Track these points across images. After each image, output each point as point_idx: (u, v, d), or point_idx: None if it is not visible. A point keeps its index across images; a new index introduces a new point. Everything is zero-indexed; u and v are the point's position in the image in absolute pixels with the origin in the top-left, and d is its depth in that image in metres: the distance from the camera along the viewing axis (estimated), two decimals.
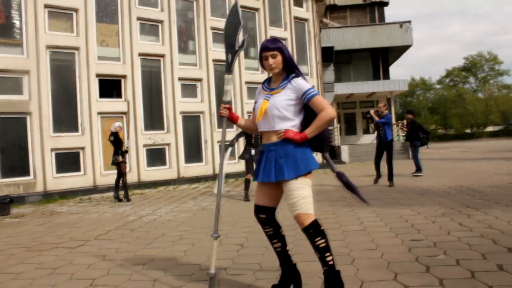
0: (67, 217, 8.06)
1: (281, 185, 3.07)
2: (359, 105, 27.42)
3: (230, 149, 9.16)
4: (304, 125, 3.11)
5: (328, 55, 23.45)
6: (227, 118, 3.30)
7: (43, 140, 11.77)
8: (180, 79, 14.71)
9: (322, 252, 2.96)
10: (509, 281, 3.24)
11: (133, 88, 13.61)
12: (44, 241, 5.83)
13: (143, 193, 11.87)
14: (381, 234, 5.08)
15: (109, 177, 12.26)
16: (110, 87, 13.42)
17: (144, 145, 13.75)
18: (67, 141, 12.28)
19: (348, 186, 3.28)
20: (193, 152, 14.95)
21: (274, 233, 3.19)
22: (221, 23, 15.66)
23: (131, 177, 12.78)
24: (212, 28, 15.54)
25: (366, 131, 27.72)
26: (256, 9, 16.89)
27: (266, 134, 3.14)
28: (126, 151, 10.24)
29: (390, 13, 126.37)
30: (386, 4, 31.47)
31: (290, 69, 3.14)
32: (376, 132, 10.58)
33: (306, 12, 19.04)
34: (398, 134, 23.69)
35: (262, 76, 16.59)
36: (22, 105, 11.59)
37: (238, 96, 16.03)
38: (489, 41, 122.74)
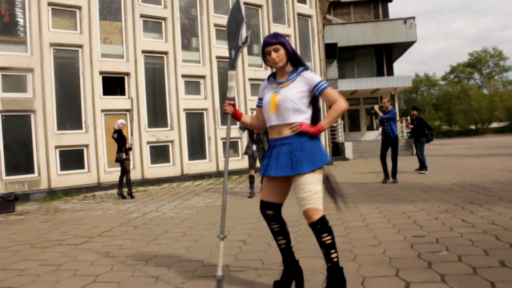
0: (71, 214, 8.11)
1: (291, 179, 3.05)
2: (363, 102, 27.39)
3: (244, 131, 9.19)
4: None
5: (332, 52, 23.40)
6: (231, 115, 3.29)
7: (47, 138, 11.81)
8: (183, 76, 14.72)
9: (328, 248, 2.97)
10: (510, 277, 3.24)
11: (137, 86, 13.63)
12: (48, 238, 5.87)
13: (146, 190, 11.91)
14: (383, 230, 5.08)
15: (113, 174, 12.31)
16: (113, 84, 13.45)
17: (148, 142, 13.77)
18: (71, 138, 12.32)
19: (331, 190, 3.18)
20: (197, 149, 14.97)
21: (280, 229, 3.19)
22: (224, 20, 15.62)
23: (134, 174, 12.82)
24: (216, 25, 15.52)
25: (370, 128, 27.72)
26: (259, 6, 16.86)
27: (276, 128, 3.10)
28: (130, 148, 10.28)
29: (394, 9, 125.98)
30: (390, 0, 31.36)
31: (295, 63, 3.15)
32: (381, 128, 10.49)
33: (310, 8, 18.99)
34: (402, 131, 23.63)
35: (265, 73, 16.58)
36: (26, 103, 11.64)
37: (242, 93, 16.03)
38: (494, 36, 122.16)
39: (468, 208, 6.11)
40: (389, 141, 10.04)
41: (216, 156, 15.18)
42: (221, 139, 15.35)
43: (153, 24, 14.38)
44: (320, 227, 2.95)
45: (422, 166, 11.86)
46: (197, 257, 4.41)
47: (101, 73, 12.98)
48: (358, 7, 31.18)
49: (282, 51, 3.06)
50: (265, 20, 16.96)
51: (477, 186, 8.31)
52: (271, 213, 3.16)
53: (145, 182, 13.27)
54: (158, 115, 14.25)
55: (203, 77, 15.18)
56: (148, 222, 6.71)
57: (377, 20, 28.68)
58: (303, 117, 3.05)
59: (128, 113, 13.46)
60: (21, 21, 11.86)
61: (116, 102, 13.33)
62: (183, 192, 10.90)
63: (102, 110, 12.93)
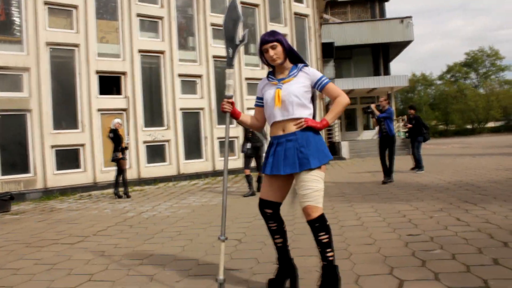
0: (67, 214, 8.10)
1: (294, 176, 3.05)
2: (359, 101, 27.40)
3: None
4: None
5: (329, 51, 23.43)
6: (229, 113, 3.26)
7: (43, 137, 11.79)
8: (180, 75, 14.71)
9: (324, 247, 2.97)
10: (503, 275, 3.26)
11: (133, 85, 13.62)
12: (44, 237, 5.87)
13: (143, 189, 11.90)
14: (378, 229, 5.10)
15: (109, 173, 12.29)
16: (110, 83, 13.43)
17: (144, 142, 13.77)
18: (67, 138, 12.30)
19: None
20: (193, 148, 14.97)
21: (278, 228, 3.19)
22: (221, 19, 15.49)
23: (131, 174, 12.81)
24: (212, 24, 15.52)
25: (367, 127, 27.75)
26: (256, 5, 16.87)
27: (280, 124, 3.08)
28: (126, 148, 10.28)
29: (391, 8, 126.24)
30: None
31: (294, 59, 3.16)
32: (377, 128, 10.41)
33: (306, 7, 19.01)
34: (398, 130, 23.67)
35: (262, 72, 16.59)
36: (22, 102, 11.62)
37: (238, 92, 16.02)
38: (490, 36, 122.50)
39: (463, 207, 6.13)
40: (386, 140, 9.90)
41: (213, 156, 15.18)
42: (217, 138, 15.34)
43: (150, 23, 14.37)
44: (318, 225, 2.95)
45: (419, 166, 11.87)
46: (193, 256, 4.42)
47: (97, 72, 12.96)
48: (355, 6, 31.21)
49: (279, 49, 3.07)
50: (262, 20, 16.96)
51: (473, 185, 8.33)
52: (270, 211, 3.15)
53: (141, 181, 13.26)
54: (154, 115, 14.25)
55: (199, 76, 15.17)
56: (144, 221, 6.71)
57: (374, 19, 28.71)
58: (307, 112, 3.06)
59: (124, 113, 13.45)
60: (17, 20, 11.84)
61: (112, 101, 13.31)
62: (179, 191, 10.90)
63: (99, 110, 12.91)
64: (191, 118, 15.01)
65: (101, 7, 13.40)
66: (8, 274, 4.11)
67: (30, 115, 11.71)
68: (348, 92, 25.88)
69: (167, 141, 14.29)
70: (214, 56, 15.46)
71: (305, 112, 3.05)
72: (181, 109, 14.64)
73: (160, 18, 14.42)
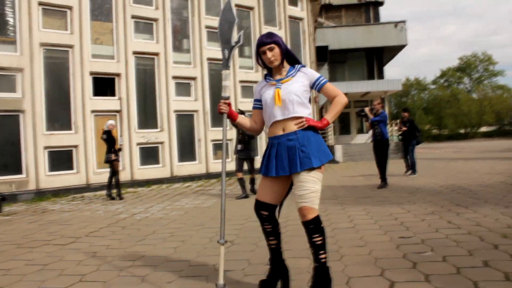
0: (59, 215, 8.07)
1: (292, 176, 3.03)
2: (353, 105, 27.45)
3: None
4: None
5: (323, 55, 23.51)
6: (226, 115, 3.25)
7: (36, 138, 11.74)
8: (174, 77, 14.70)
9: (317, 249, 2.97)
10: (493, 277, 3.29)
11: (127, 87, 13.60)
12: (35, 238, 5.84)
13: (136, 191, 11.87)
14: (370, 231, 5.12)
15: (102, 175, 12.24)
16: (104, 85, 13.40)
17: (138, 144, 13.74)
18: (60, 139, 12.25)
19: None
20: (187, 150, 14.95)
21: (273, 230, 3.18)
22: (216, 21, 15.54)
23: (124, 176, 12.77)
24: (207, 27, 15.53)
25: (360, 131, 27.81)
26: (251, 8, 16.90)
27: (280, 123, 3.06)
28: (120, 149, 10.25)
29: (385, 13, 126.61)
30: (381, 4, 31.58)
31: (291, 61, 3.17)
32: (371, 131, 10.30)
33: (301, 11, 19.07)
34: (392, 134, 23.74)
35: (256, 75, 16.63)
36: (15, 102, 11.56)
37: (232, 95, 16.02)
38: (484, 41, 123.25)
39: (455, 210, 6.18)
40: (380, 144, 9.78)
41: (206, 158, 15.17)
42: (211, 141, 15.34)
43: (145, 25, 14.36)
44: (313, 227, 2.96)
45: (414, 169, 11.87)
46: (185, 257, 4.42)
47: (91, 73, 12.93)
48: (350, 11, 31.36)
49: (277, 50, 3.07)
50: (257, 22, 16.99)
51: (464, 189, 8.39)
52: (266, 213, 3.14)
53: (134, 183, 13.23)
54: (148, 116, 14.23)
55: (194, 78, 15.17)
56: (136, 223, 6.70)
57: (368, 23, 28.87)
58: (307, 112, 3.06)
59: (118, 114, 13.41)
60: (11, 20, 11.79)
61: (106, 103, 13.28)
62: (172, 193, 10.89)
63: (92, 111, 12.88)
64: (185, 120, 15.00)
65: (96, 9, 13.38)
66: None
67: (23, 115, 11.66)
68: None
69: (161, 143, 14.27)
70: (208, 59, 15.47)
71: (306, 111, 3.05)
72: (175, 111, 14.63)
73: (155, 20, 14.42)
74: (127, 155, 13.37)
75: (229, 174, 14.67)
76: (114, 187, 10.07)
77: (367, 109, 10.09)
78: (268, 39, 3.06)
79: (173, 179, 14.16)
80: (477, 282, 3.20)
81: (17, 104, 11.58)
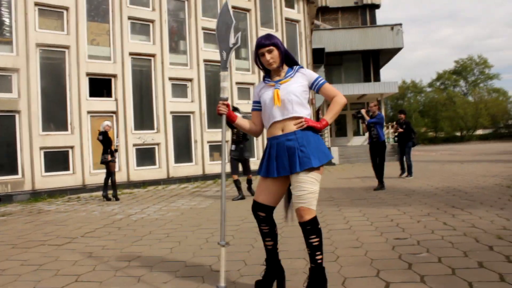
0: (54, 216, 8.04)
1: (290, 177, 3.02)
2: (349, 107, 27.56)
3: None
4: None
5: (319, 57, 23.53)
6: (225, 116, 3.24)
7: (32, 139, 11.71)
8: (170, 79, 14.70)
9: (314, 250, 2.97)
10: (488, 277, 3.31)
11: (124, 88, 13.59)
12: (31, 239, 5.82)
13: (132, 192, 11.85)
14: (366, 232, 5.13)
15: (98, 176, 12.22)
16: (100, 86, 13.38)
17: (134, 145, 13.72)
18: (56, 139, 12.23)
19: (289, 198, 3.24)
20: (183, 152, 14.95)
21: (270, 231, 3.18)
22: (212, 23, 15.67)
23: (120, 177, 12.75)
24: (204, 29, 15.54)
25: (356, 133, 27.89)
26: (248, 10, 16.92)
27: (279, 124, 3.05)
28: (116, 150, 10.23)
29: (381, 16, 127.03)
30: (378, 6, 31.68)
31: (289, 62, 3.17)
32: (367, 133, 10.23)
33: (298, 13, 19.11)
34: (388, 137, 23.79)
35: (253, 76, 16.66)
36: (11, 103, 11.54)
37: (229, 96, 16.00)
38: (479, 45, 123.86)
39: (450, 211, 6.20)
40: (376, 146, 9.72)
41: (202, 160, 15.16)
42: (208, 142, 15.34)
43: (141, 27, 14.36)
44: (310, 228, 2.95)
45: (410, 171, 11.87)
46: (180, 257, 4.41)
47: (87, 74, 12.92)
48: (346, 13, 31.44)
49: (276, 52, 3.07)
50: (253, 25, 17.01)
51: (460, 191, 8.42)
52: (263, 215, 3.14)
53: (130, 184, 13.21)
54: (144, 118, 14.21)
55: (190, 80, 15.18)
56: (132, 224, 6.69)
57: (365, 26, 28.96)
58: (307, 112, 3.06)
59: (114, 115, 13.40)
60: (7, 20, 11.77)
61: (102, 104, 13.27)
62: (168, 194, 10.87)
63: (88, 112, 12.86)
64: (181, 122, 15.00)
65: (93, 9, 13.38)
66: None
67: (19, 116, 11.63)
68: None
69: (157, 144, 14.26)
70: (205, 60, 15.48)
71: (305, 112, 3.05)
72: (171, 112, 14.62)
73: (152, 21, 14.42)
74: (123, 156, 13.35)
75: (226, 175, 14.67)
76: (110, 188, 10.05)
77: (363, 111, 9.98)
78: (267, 41, 3.06)
79: (169, 180, 14.15)
80: (472, 283, 3.21)
81: (13, 105, 11.55)
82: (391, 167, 14.72)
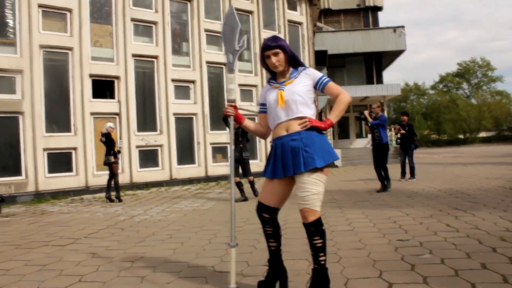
0: (58, 217, 8.07)
1: (294, 177, 3.02)
2: (352, 109, 27.53)
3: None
4: None
5: (322, 59, 23.55)
6: (233, 117, 3.26)
7: (35, 140, 11.74)
8: (173, 80, 14.73)
9: (317, 251, 2.97)
10: (491, 279, 3.30)
11: (126, 89, 13.62)
12: (34, 239, 5.85)
13: (135, 194, 11.88)
14: (369, 234, 5.13)
15: (101, 177, 12.24)
16: (103, 87, 13.42)
17: (137, 146, 13.75)
18: (60, 141, 12.26)
19: None
20: (186, 153, 14.96)
21: (273, 232, 3.19)
22: (215, 25, 15.73)
23: (123, 178, 12.77)
24: (206, 30, 15.58)
25: (359, 135, 27.86)
26: (250, 12, 16.95)
27: (284, 124, 3.06)
28: (119, 152, 10.26)
29: (384, 18, 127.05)
30: (380, 9, 31.65)
31: (295, 64, 3.17)
32: (370, 135, 10.10)
33: (300, 15, 19.14)
34: (391, 139, 23.75)
35: (255, 78, 16.69)
36: (14, 104, 11.57)
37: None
38: (482, 47, 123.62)
39: (453, 213, 6.19)
40: (379, 148, 9.61)
41: (205, 161, 15.18)
42: (210, 144, 15.36)
43: (144, 28, 14.40)
44: (314, 229, 2.95)
45: (413, 174, 11.82)
46: (183, 258, 4.42)
47: (91, 76, 12.96)
48: (349, 15, 31.43)
49: (281, 56, 3.08)
50: (256, 27, 17.05)
51: (463, 193, 8.40)
52: (268, 216, 3.15)
53: (133, 186, 13.23)
54: (147, 119, 14.24)
55: (193, 81, 15.21)
56: (136, 225, 6.71)
57: (367, 28, 28.94)
58: (311, 112, 3.06)
59: (117, 117, 13.43)
60: (11, 22, 11.82)
61: (105, 105, 13.30)
62: (171, 196, 10.89)
63: (91, 113, 12.89)
64: (184, 123, 15.02)
65: (96, 11, 13.42)
66: None
67: (23, 117, 11.67)
68: None
69: (160, 146, 14.28)
70: (207, 62, 15.51)
71: (309, 112, 3.05)
72: (174, 114, 14.65)
73: (154, 23, 14.46)
74: (126, 157, 13.38)
75: (229, 177, 14.70)
76: (113, 189, 10.07)
77: (366, 112, 9.92)
78: (273, 43, 3.07)
79: (172, 182, 14.17)
80: (475, 284, 3.21)
81: (17, 106, 11.59)
82: (393, 169, 14.70)
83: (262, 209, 3.17)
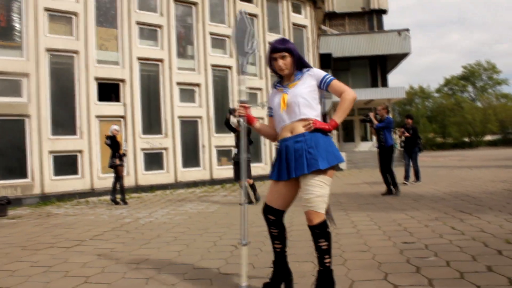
0: (63, 219, 8.10)
1: (300, 179, 3.02)
2: (357, 112, 27.50)
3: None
4: None
5: (326, 62, 23.56)
6: (245, 118, 3.29)
7: (41, 143, 11.81)
8: (178, 83, 14.78)
9: (322, 253, 2.98)
10: (497, 281, 3.29)
11: (132, 92, 13.68)
12: (40, 241, 5.87)
13: (140, 196, 11.90)
14: (373, 236, 5.12)
15: (107, 180, 12.29)
16: (108, 90, 13.48)
17: (142, 149, 13.79)
18: (65, 144, 12.32)
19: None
20: (191, 156, 14.99)
21: (279, 234, 3.20)
22: (220, 28, 15.79)
23: (128, 181, 12.81)
24: (211, 34, 15.64)
25: (364, 138, 27.82)
26: (255, 15, 16.99)
27: (288, 126, 3.08)
28: (124, 154, 10.29)
29: (388, 21, 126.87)
30: (385, 12, 31.67)
31: (301, 66, 3.17)
32: (376, 138, 10.01)
33: (305, 18, 19.17)
34: (395, 143, 23.67)
35: (260, 81, 16.72)
36: (21, 107, 11.65)
37: (236, 101, 16.08)
38: (487, 50, 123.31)
39: (458, 216, 6.17)
40: (383, 151, 9.50)
41: (210, 164, 15.19)
42: (215, 147, 15.38)
43: (149, 32, 14.46)
44: (319, 232, 2.96)
45: (418, 176, 11.77)
46: (188, 260, 4.43)
47: (96, 79, 13.02)
48: (353, 19, 31.46)
49: (288, 59, 3.09)
50: (261, 30, 17.08)
51: (468, 196, 8.37)
52: (273, 218, 3.16)
53: (138, 188, 13.26)
54: (152, 122, 14.28)
55: (198, 85, 15.24)
56: (141, 227, 6.73)
57: (372, 31, 28.94)
58: (314, 113, 3.05)
59: (122, 120, 13.48)
60: (17, 26, 11.91)
61: (110, 108, 13.35)
62: (176, 199, 10.91)
63: (97, 116, 12.95)
64: (189, 127, 15.05)
65: (101, 15, 13.49)
66: (4, 276, 4.13)
67: (29, 120, 11.74)
68: None
69: (165, 149, 14.31)
70: (212, 65, 15.56)
71: (312, 113, 3.04)
72: (179, 117, 14.68)
73: (160, 26, 14.52)
74: (131, 160, 13.42)
75: (232, 180, 14.73)
76: (119, 192, 10.10)
77: (371, 114, 9.80)
78: (281, 46, 3.08)
79: (177, 185, 14.19)
80: (480, 286, 3.20)
81: (23, 109, 11.66)
82: (397, 173, 14.67)
83: (268, 211, 3.19)
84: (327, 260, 2.99)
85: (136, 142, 13.62)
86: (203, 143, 15.20)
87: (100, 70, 13.11)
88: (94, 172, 12.67)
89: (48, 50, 12.19)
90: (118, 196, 10.13)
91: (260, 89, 16.79)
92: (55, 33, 12.47)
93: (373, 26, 31.04)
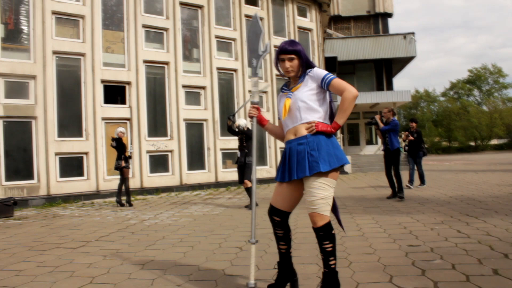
0: (69, 220, 8.13)
1: (303, 181, 3.03)
2: (362, 116, 27.48)
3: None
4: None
5: (332, 66, 23.55)
6: (256, 119, 3.32)
7: (47, 144, 11.87)
8: (184, 86, 14.82)
9: (327, 255, 2.98)
10: (503, 285, 3.29)
11: (137, 95, 13.73)
12: (46, 242, 5.91)
13: (145, 198, 11.94)
14: (379, 239, 5.12)
15: (112, 182, 12.34)
16: (114, 93, 13.54)
17: (147, 151, 13.83)
18: (71, 145, 12.38)
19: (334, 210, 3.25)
20: (196, 159, 15.02)
21: (284, 235, 3.21)
22: (225, 31, 15.84)
23: (133, 183, 12.85)
24: (217, 37, 15.68)
25: (369, 142, 27.76)
26: (260, 19, 16.98)
27: (292, 129, 3.09)
28: (130, 157, 10.32)
29: (394, 25, 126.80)
30: (390, 15, 31.64)
31: (307, 67, 3.16)
32: (382, 140, 9.96)
33: (310, 22, 19.19)
34: (401, 146, 23.61)
35: (264, 84, 16.71)
36: (27, 109, 11.72)
37: (242, 103, 16.10)
38: (493, 54, 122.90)
39: (464, 220, 6.15)
40: (389, 154, 9.42)
41: (215, 167, 15.21)
42: (220, 149, 15.40)
43: (155, 35, 14.52)
44: (323, 234, 2.96)
45: (423, 180, 11.72)
46: (193, 262, 4.44)
47: (102, 81, 13.09)
48: (359, 22, 31.45)
49: (296, 62, 3.09)
50: (266, 33, 17.11)
51: (474, 200, 8.34)
52: (278, 219, 3.18)
53: (143, 191, 13.30)
54: (158, 125, 14.33)
55: (203, 87, 15.28)
56: (146, 229, 6.75)
57: (377, 35, 28.91)
58: (317, 116, 3.04)
59: (128, 122, 13.53)
60: (25, 29, 12.00)
61: (116, 110, 13.40)
62: (181, 201, 10.93)
63: (103, 118, 13.01)
64: (195, 129, 15.09)
65: (108, 18, 13.57)
66: (11, 275, 4.15)
67: (35, 122, 11.81)
68: None
69: (170, 151, 14.35)
70: (218, 68, 15.59)
71: (314, 116, 3.04)
72: (184, 119, 14.72)
73: (165, 29, 14.58)
74: (136, 162, 13.46)
75: (236, 183, 14.74)
76: (124, 194, 10.14)
77: (377, 117, 9.71)
78: (290, 47, 3.09)
79: (182, 187, 14.21)
80: None
81: (30, 111, 11.74)
82: (405, 176, 14.62)
83: (273, 212, 3.20)
84: (332, 262, 2.99)
85: (142, 144, 13.66)
86: (208, 145, 15.22)
87: (106, 73, 13.17)
88: (99, 174, 12.72)
89: (55, 52, 12.27)
90: (124, 198, 10.17)
91: (264, 92, 16.82)
92: (62, 35, 12.55)
93: (378, 29, 31.02)
